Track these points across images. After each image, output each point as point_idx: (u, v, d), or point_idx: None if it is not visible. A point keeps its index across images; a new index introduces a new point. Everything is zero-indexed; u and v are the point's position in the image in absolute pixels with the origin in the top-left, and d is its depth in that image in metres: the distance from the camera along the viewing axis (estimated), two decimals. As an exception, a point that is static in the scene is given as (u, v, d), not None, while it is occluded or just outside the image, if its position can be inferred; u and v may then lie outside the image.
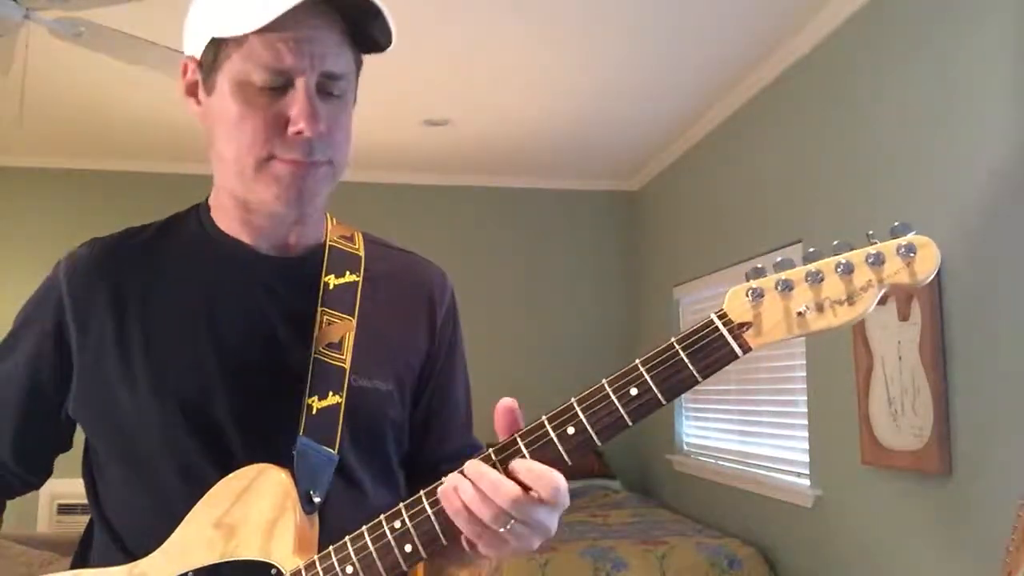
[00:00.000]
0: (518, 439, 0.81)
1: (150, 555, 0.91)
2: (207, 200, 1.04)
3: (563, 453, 0.80)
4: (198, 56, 0.93)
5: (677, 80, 3.84)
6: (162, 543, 0.91)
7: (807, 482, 3.33)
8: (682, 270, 4.64)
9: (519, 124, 4.48)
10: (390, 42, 0.93)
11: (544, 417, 0.81)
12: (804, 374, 3.35)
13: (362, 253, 1.07)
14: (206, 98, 0.94)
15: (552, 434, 0.80)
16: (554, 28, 3.33)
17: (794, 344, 3.46)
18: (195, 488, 0.91)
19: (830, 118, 3.18)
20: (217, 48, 0.91)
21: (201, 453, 0.92)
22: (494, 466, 0.80)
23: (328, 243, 1.05)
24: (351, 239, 1.08)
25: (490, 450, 0.81)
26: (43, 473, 1.07)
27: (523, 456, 0.80)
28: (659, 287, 5.01)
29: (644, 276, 5.35)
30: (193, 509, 0.90)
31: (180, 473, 0.93)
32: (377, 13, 0.90)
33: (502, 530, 0.79)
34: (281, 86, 0.89)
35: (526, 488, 0.78)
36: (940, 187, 2.55)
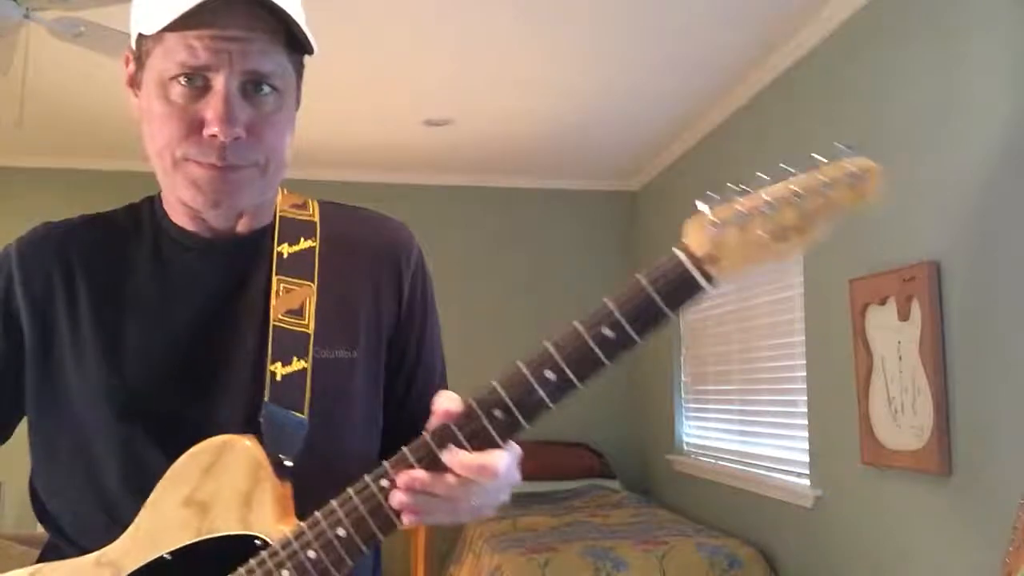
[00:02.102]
0: (451, 425, 0.81)
1: (117, 541, 0.87)
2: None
3: (494, 436, 0.79)
4: (133, 48, 0.92)
5: (677, 80, 3.84)
6: (112, 537, 0.88)
7: (807, 482, 3.33)
8: (682, 270, 4.62)
9: (519, 124, 4.48)
10: (311, 49, 0.90)
11: (496, 384, 0.81)
12: (804, 374, 3.35)
13: (316, 219, 1.03)
14: (139, 92, 0.93)
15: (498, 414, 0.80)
16: (554, 28, 3.33)
17: (794, 344, 3.46)
18: (144, 480, 0.88)
19: (830, 118, 3.18)
20: (141, 44, 0.90)
21: (149, 442, 0.90)
22: (427, 456, 0.80)
23: (278, 214, 1.02)
24: (303, 206, 1.04)
25: (427, 435, 0.81)
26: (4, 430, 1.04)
27: (459, 442, 0.80)
28: (659, 287, 5.00)
29: (644, 276, 5.35)
30: (155, 490, 0.87)
31: (128, 465, 0.91)
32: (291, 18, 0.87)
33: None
34: (201, 86, 0.86)
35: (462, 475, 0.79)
36: (940, 187, 2.55)
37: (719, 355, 4.29)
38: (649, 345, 4.81)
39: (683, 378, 4.75)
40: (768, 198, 0.76)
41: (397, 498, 0.80)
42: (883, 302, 2.76)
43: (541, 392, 0.79)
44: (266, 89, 0.88)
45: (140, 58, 0.91)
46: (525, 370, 0.80)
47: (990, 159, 2.35)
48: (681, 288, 0.77)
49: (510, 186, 5.48)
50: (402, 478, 0.80)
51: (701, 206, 0.79)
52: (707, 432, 4.50)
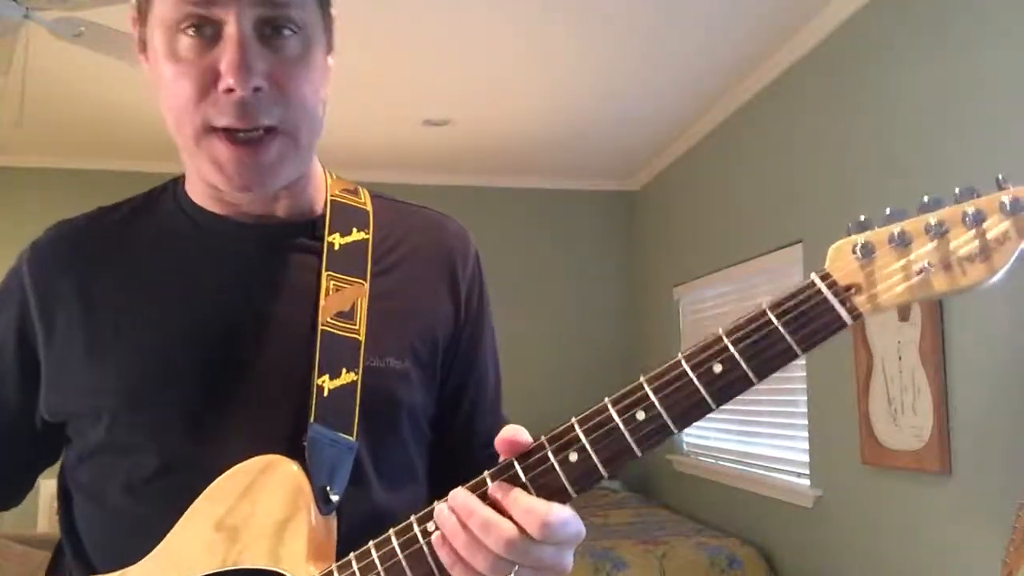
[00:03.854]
0: (515, 462, 0.69)
1: (141, 562, 0.79)
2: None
3: (566, 483, 0.67)
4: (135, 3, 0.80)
5: (677, 80, 3.84)
6: (131, 559, 0.79)
7: (807, 482, 3.33)
8: (682, 270, 4.63)
9: (519, 124, 4.48)
10: None
11: (575, 422, 0.68)
12: (804, 374, 3.35)
13: (369, 208, 0.92)
14: (148, 57, 0.81)
15: (567, 454, 0.67)
16: (554, 28, 3.33)
17: (794, 344, 3.45)
18: (174, 498, 0.79)
19: (830, 118, 3.18)
20: None
21: (184, 455, 0.80)
22: (484, 496, 0.68)
23: (329, 197, 0.90)
24: (355, 193, 0.93)
25: (487, 474, 0.69)
26: (21, 489, 0.94)
27: (522, 484, 0.67)
28: (659, 287, 5.01)
29: (644, 276, 5.35)
30: (192, 507, 0.78)
31: (156, 482, 0.80)
32: None
33: None
34: (211, 35, 0.74)
35: (522, 528, 0.66)
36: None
37: (719, 355, 4.28)
38: (649, 345, 4.79)
39: (683, 378, 4.74)
40: (935, 220, 0.63)
41: (444, 552, 0.68)
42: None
43: (627, 436, 0.66)
44: (287, 31, 0.76)
45: (141, 12, 0.80)
46: (611, 409, 0.68)
47: (990, 159, 2.35)
48: (816, 321, 0.64)
49: (510, 186, 5.48)
50: (448, 525, 0.68)
51: (850, 229, 0.66)
52: (707, 432, 4.50)
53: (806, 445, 3.34)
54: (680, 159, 4.75)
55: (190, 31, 0.74)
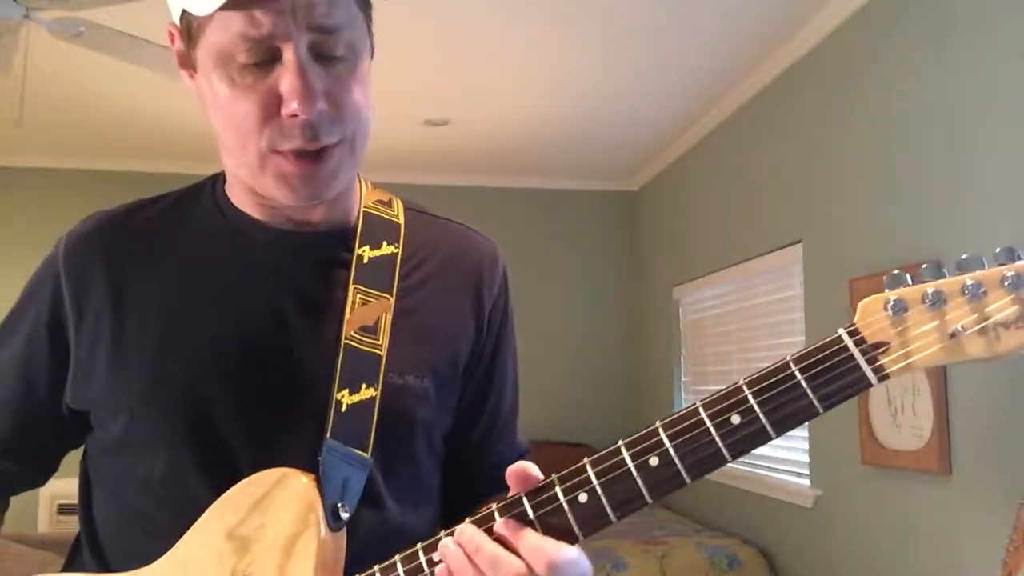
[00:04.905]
0: (524, 499, 0.69)
1: (149, 567, 0.79)
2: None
3: (574, 525, 0.68)
4: (178, 24, 0.80)
5: (677, 80, 3.84)
6: (144, 558, 0.80)
7: (807, 482, 3.33)
8: (682, 270, 4.63)
9: (519, 124, 4.48)
10: None
11: (588, 463, 0.68)
12: (804, 374, 3.34)
13: (401, 221, 0.92)
14: (195, 74, 0.82)
15: (572, 497, 0.68)
16: (554, 29, 3.33)
17: (794, 344, 3.45)
18: (186, 503, 0.79)
19: (830, 118, 3.18)
20: (189, 19, 0.77)
21: (196, 463, 0.80)
22: (491, 531, 0.68)
23: (362, 209, 0.90)
24: (389, 204, 0.94)
25: (495, 507, 0.69)
26: (44, 470, 0.97)
27: (530, 521, 0.68)
28: (659, 287, 5.01)
29: (644, 276, 5.35)
30: (204, 514, 0.78)
31: (170, 486, 0.81)
32: None
33: None
34: (267, 59, 0.75)
35: (530, 567, 0.66)
36: (940, 186, 2.54)
37: (719, 355, 4.28)
38: (649, 345, 4.79)
39: (683, 378, 4.75)
40: (971, 281, 0.61)
41: None
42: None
43: (639, 482, 0.66)
44: (340, 50, 0.77)
45: (190, 34, 0.78)
46: (625, 452, 0.67)
47: (990, 159, 2.35)
48: (841, 379, 0.63)
49: (510, 186, 5.48)
50: (455, 560, 0.68)
51: (886, 283, 0.64)
52: (707, 432, 4.50)
53: (806, 445, 3.34)
54: (680, 159, 4.75)
55: (248, 58, 0.75)
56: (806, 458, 3.35)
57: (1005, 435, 2.27)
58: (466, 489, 0.85)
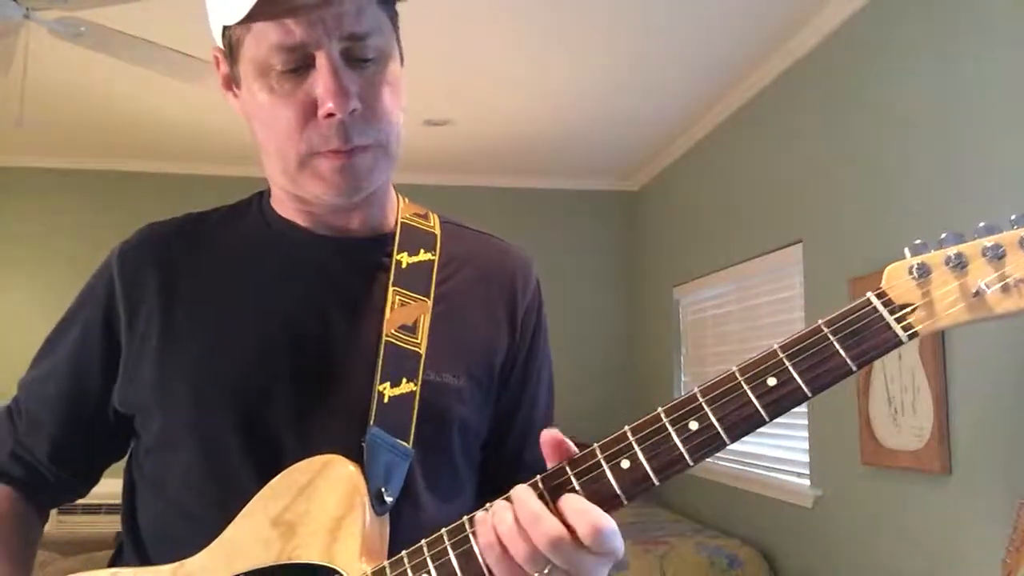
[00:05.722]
0: (567, 468, 0.70)
1: (198, 554, 0.82)
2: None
3: (617, 489, 0.68)
4: (221, 45, 0.86)
5: (677, 80, 3.84)
6: (186, 553, 0.82)
7: (807, 482, 3.33)
8: (682, 270, 4.64)
9: (519, 124, 4.48)
10: None
11: (628, 430, 0.69)
12: (804, 374, 3.34)
13: (437, 231, 0.98)
14: (238, 91, 0.87)
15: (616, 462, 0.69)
16: (555, 29, 3.33)
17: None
18: (230, 495, 0.82)
19: (830, 118, 3.18)
20: (229, 35, 0.83)
21: (242, 454, 0.84)
22: (540, 496, 0.70)
23: (400, 219, 0.96)
24: (425, 217, 0.99)
25: (538, 478, 0.71)
26: (87, 479, 0.97)
27: (573, 488, 0.70)
28: (659, 287, 5.01)
29: (644, 276, 5.35)
30: (250, 503, 0.81)
31: (214, 478, 0.84)
32: None
33: None
34: (302, 65, 0.80)
35: (571, 528, 0.67)
36: (941, 185, 2.55)
37: (719, 355, 4.29)
38: (649, 345, 4.80)
39: (683, 378, 4.75)
40: (990, 243, 0.65)
41: (482, 529, 0.71)
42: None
43: (680, 445, 0.68)
44: (370, 54, 0.82)
45: (231, 52, 0.84)
46: (665, 418, 0.69)
47: (990, 158, 2.35)
48: (871, 339, 0.66)
49: (510, 186, 5.48)
50: (499, 509, 0.70)
51: (907, 251, 0.67)
52: (707, 432, 4.50)
53: (806, 445, 3.34)
54: (680, 159, 4.75)
55: (281, 65, 0.80)
56: (806, 458, 3.35)
57: (1005, 435, 2.27)
58: (500, 496, 0.85)
